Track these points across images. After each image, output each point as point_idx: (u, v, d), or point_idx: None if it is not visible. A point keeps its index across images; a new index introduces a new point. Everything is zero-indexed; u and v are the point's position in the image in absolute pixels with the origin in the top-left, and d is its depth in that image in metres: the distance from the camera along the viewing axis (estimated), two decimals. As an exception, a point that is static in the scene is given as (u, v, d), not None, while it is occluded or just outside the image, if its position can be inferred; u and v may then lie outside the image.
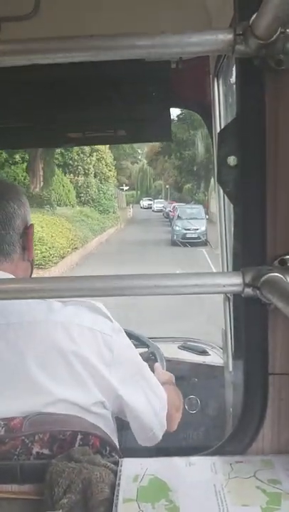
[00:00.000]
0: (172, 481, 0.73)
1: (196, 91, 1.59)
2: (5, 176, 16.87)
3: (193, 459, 0.80)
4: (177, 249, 16.04)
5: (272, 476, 0.74)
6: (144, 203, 51.70)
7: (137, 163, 60.22)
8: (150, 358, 1.55)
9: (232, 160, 0.75)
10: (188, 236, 17.86)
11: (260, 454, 0.80)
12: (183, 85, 1.52)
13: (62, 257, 13.71)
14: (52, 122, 1.52)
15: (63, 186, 21.65)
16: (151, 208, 47.60)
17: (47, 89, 1.39)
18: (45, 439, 0.89)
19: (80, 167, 24.82)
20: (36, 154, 17.37)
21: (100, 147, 25.03)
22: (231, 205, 0.84)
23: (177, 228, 19.32)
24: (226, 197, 1.47)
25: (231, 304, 1.39)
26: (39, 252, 12.09)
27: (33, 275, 1.20)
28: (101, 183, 27.34)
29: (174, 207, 28.44)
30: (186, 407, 1.74)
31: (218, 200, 1.59)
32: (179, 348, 2.04)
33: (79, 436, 0.90)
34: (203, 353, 1.99)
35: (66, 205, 20.93)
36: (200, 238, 16.61)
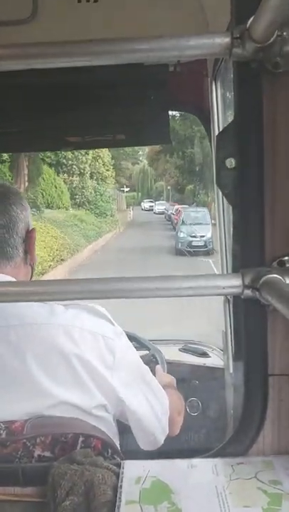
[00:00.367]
0: (174, 483, 0.73)
1: (194, 94, 1.60)
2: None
3: (195, 461, 0.80)
4: (182, 260, 14.13)
5: (273, 477, 0.74)
6: (146, 204, 50.41)
7: (138, 163, 59.02)
8: (151, 361, 1.55)
9: (230, 162, 0.75)
10: (194, 244, 15.97)
11: (261, 455, 0.80)
12: (181, 88, 1.52)
13: (42, 274, 10.90)
14: (50, 126, 1.52)
15: (56, 187, 19.53)
16: (152, 209, 46.19)
17: (45, 93, 1.40)
18: (47, 441, 0.89)
19: (74, 166, 22.26)
20: (21, 151, 15.99)
21: (97, 145, 23.84)
22: (230, 207, 0.84)
23: (182, 235, 17.04)
24: (224, 199, 1.48)
25: (231, 305, 1.39)
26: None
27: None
28: (98, 183, 24.92)
29: (177, 210, 26.02)
30: (188, 409, 1.74)
31: (216, 202, 1.59)
32: (179, 350, 2.04)
33: (80, 439, 0.90)
34: (204, 355, 1.99)
35: (59, 208, 19.03)
36: (206, 246, 15.35)
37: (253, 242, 0.76)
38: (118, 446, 1.04)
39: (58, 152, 19.22)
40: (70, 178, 22.44)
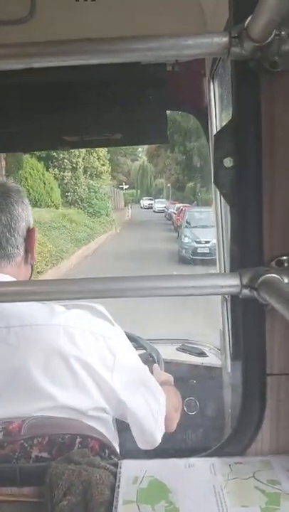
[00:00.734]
0: (172, 482, 0.73)
1: (192, 93, 1.60)
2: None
3: (193, 460, 0.80)
4: (188, 271, 11.76)
5: (271, 477, 0.74)
6: (145, 202, 48.58)
7: (137, 160, 57.38)
8: (148, 360, 1.56)
9: (228, 162, 0.75)
10: (199, 251, 13.34)
11: (259, 454, 0.80)
12: (179, 88, 1.52)
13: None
14: (48, 125, 1.52)
15: (44, 183, 17.27)
16: (152, 208, 44.32)
17: (42, 92, 1.39)
18: (44, 442, 0.89)
19: (66, 161, 20.05)
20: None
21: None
22: (228, 207, 0.84)
23: (186, 240, 14.34)
24: (222, 198, 1.48)
25: (229, 305, 1.39)
26: None
27: None
28: (92, 179, 22.29)
29: (179, 209, 23.46)
30: (185, 408, 1.74)
31: (215, 202, 1.60)
32: (177, 349, 2.04)
33: (78, 440, 0.90)
34: (201, 354, 1.99)
35: (48, 207, 16.85)
36: (212, 254, 11.29)
37: (251, 242, 0.76)
38: (117, 447, 1.04)
39: (49, 146, 18.16)
40: (62, 173, 20.29)
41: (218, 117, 1.48)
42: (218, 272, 1.65)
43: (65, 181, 20.44)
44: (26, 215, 1.12)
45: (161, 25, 1.18)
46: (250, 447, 0.81)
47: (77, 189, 20.93)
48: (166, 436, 1.15)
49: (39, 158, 17.68)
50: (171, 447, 1.34)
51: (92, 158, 22.32)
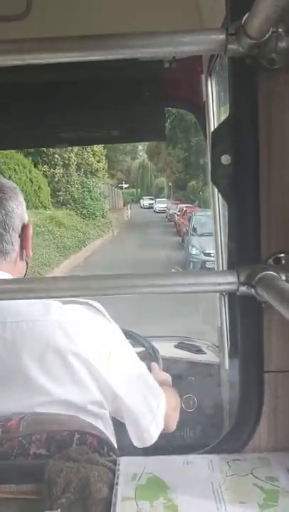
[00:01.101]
0: (170, 479, 0.74)
1: (190, 90, 1.59)
2: None
3: (191, 457, 0.80)
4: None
5: (269, 474, 0.74)
6: (145, 202, 47.11)
7: (137, 158, 55.94)
8: (146, 357, 1.56)
9: (226, 159, 0.75)
10: (208, 266, 11.10)
11: (257, 451, 0.81)
12: (176, 85, 1.52)
13: None
14: (44, 122, 1.52)
15: (31, 182, 15.29)
16: (152, 207, 42.85)
17: (39, 89, 1.39)
18: (42, 439, 0.89)
19: (57, 156, 18.08)
20: None
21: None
22: (226, 204, 0.84)
23: (194, 251, 12.17)
24: (220, 196, 1.48)
25: (226, 302, 1.39)
26: None
27: None
28: (86, 177, 19.95)
29: (182, 210, 21.25)
30: (183, 405, 1.74)
31: (212, 199, 1.60)
32: (175, 346, 2.04)
33: (76, 436, 0.90)
34: (199, 351, 1.99)
35: (36, 208, 15.11)
36: None
37: (249, 239, 0.76)
38: (115, 443, 1.04)
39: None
40: (52, 170, 18.23)
41: (216, 114, 1.47)
42: (216, 269, 1.65)
43: (56, 179, 18.31)
44: (21, 211, 1.12)
45: (158, 22, 1.18)
46: (248, 444, 0.81)
47: (70, 188, 18.81)
48: (165, 434, 1.15)
49: (26, 154, 15.72)
50: (170, 444, 1.34)
51: (86, 153, 20.04)
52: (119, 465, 0.77)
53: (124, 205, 36.86)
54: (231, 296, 0.85)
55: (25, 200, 1.17)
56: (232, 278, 0.72)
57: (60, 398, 0.96)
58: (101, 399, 1.01)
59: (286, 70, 0.69)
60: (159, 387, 1.14)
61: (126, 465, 0.77)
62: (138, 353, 1.15)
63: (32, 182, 15.53)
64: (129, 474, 0.75)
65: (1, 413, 0.93)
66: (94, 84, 1.40)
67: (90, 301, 1.07)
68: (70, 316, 1.02)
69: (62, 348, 0.97)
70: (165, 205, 37.83)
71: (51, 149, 17.14)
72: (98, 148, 21.09)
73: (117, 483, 0.72)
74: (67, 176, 18.90)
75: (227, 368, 1.49)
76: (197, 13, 1.25)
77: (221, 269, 1.56)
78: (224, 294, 1.37)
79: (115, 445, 1.02)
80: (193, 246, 12.27)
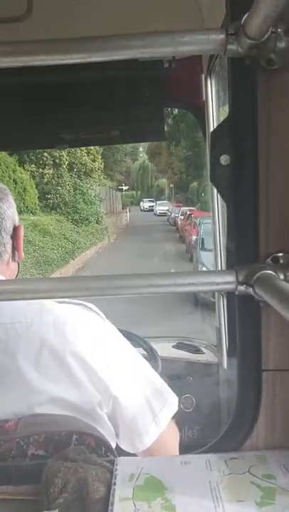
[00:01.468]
0: (168, 479, 0.73)
1: (190, 90, 1.59)
2: None
3: (189, 457, 0.80)
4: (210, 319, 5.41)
5: (266, 471, 0.74)
6: (145, 204, 45.65)
7: (138, 159, 54.11)
8: (145, 358, 1.56)
9: (225, 159, 0.75)
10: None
11: (255, 449, 0.81)
12: (176, 85, 1.52)
13: None
14: (44, 123, 1.52)
15: (16, 183, 13.30)
16: (152, 210, 41.43)
17: (39, 90, 1.39)
18: (40, 440, 0.88)
19: (46, 154, 16.04)
20: None
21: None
22: (225, 204, 0.84)
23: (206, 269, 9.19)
24: (219, 196, 1.48)
25: (225, 301, 1.40)
26: None
27: None
28: (79, 178, 18.03)
29: (185, 214, 19.43)
30: (182, 405, 1.74)
31: (211, 199, 1.60)
32: (173, 347, 2.04)
33: (74, 437, 0.89)
34: (198, 351, 1.99)
35: (21, 213, 12.44)
36: None
37: (247, 239, 0.76)
38: (114, 444, 1.03)
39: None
40: (40, 170, 16.27)
41: (215, 114, 1.48)
42: (214, 268, 1.65)
43: (45, 180, 16.45)
44: (12, 212, 1.12)
45: (158, 22, 1.18)
46: (245, 443, 0.81)
47: (60, 190, 16.80)
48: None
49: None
50: None
51: (79, 152, 17.82)
52: (116, 465, 0.77)
53: (122, 208, 34.72)
54: (230, 295, 0.85)
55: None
56: (230, 277, 0.73)
57: (56, 397, 0.95)
58: (99, 399, 1.00)
59: (285, 70, 0.69)
60: (168, 389, 1.09)
61: (124, 465, 0.77)
62: None
63: (16, 183, 13.43)
64: (126, 474, 0.75)
65: None
66: (93, 84, 1.40)
67: (85, 302, 1.07)
68: (64, 316, 1.01)
69: (57, 347, 0.97)
70: (166, 208, 36.82)
71: (40, 147, 15.50)
72: (93, 146, 16.72)
73: (114, 484, 0.72)
74: (58, 177, 16.90)
75: (225, 367, 1.49)
76: (197, 13, 1.25)
77: (219, 268, 1.56)
78: (223, 293, 1.37)
79: (113, 445, 1.02)
80: (203, 264, 9.99)
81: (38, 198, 15.86)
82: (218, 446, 0.83)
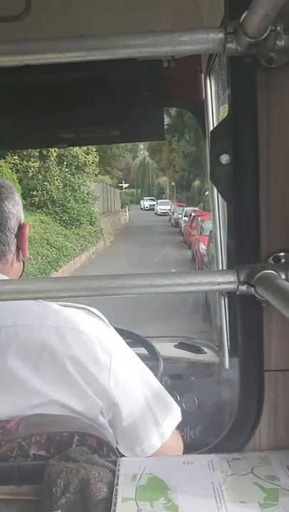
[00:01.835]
0: (170, 479, 0.73)
1: (189, 89, 1.59)
2: None
3: (191, 457, 0.80)
4: None
5: (269, 472, 0.74)
6: (146, 203, 43.96)
7: (138, 156, 52.24)
8: (147, 358, 1.56)
9: (225, 158, 0.75)
10: None
11: (257, 450, 0.81)
12: (175, 84, 1.52)
13: None
14: (44, 122, 1.52)
15: None
16: (153, 209, 39.94)
17: (38, 89, 1.39)
18: (42, 440, 0.88)
19: None
20: None
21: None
22: (225, 204, 0.84)
23: None
24: (219, 195, 1.48)
25: (226, 301, 1.39)
26: None
27: None
28: (70, 172, 15.82)
29: (189, 216, 17.91)
30: (184, 405, 1.74)
31: (211, 199, 1.60)
32: (174, 346, 2.04)
33: (76, 437, 0.89)
34: (199, 351, 1.99)
35: None
36: None
37: (248, 238, 0.76)
38: (114, 444, 1.03)
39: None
40: (25, 162, 14.12)
41: (215, 113, 1.47)
42: (215, 268, 1.65)
43: (30, 174, 14.23)
44: (17, 211, 1.10)
45: (157, 22, 1.18)
46: (248, 443, 0.81)
47: (48, 186, 14.69)
48: None
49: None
50: None
51: None
52: (119, 465, 0.77)
53: (122, 207, 32.52)
54: (231, 295, 0.85)
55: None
56: (232, 277, 0.72)
57: (56, 400, 0.94)
58: (100, 405, 0.98)
59: (285, 68, 0.69)
60: (171, 399, 1.07)
61: (126, 465, 0.77)
62: (137, 354, 1.14)
63: (-6, 178, 11.43)
64: (129, 475, 0.75)
65: None
66: (92, 83, 1.40)
67: (88, 307, 1.06)
68: (67, 321, 1.00)
69: (58, 352, 0.95)
70: (168, 207, 35.33)
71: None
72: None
73: (117, 484, 0.72)
74: (45, 171, 14.55)
75: (227, 367, 1.49)
76: (196, 12, 1.25)
77: (220, 268, 1.56)
78: (224, 293, 1.37)
79: (115, 446, 1.02)
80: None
81: (22, 194, 12.81)
82: (221, 446, 0.83)
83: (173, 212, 28.66)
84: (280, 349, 0.78)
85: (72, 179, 15.83)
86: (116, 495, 0.70)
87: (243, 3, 0.62)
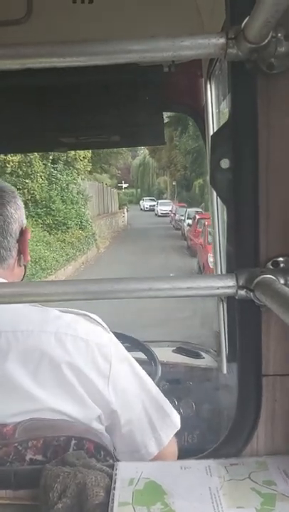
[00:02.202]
0: (168, 484, 0.73)
1: (189, 94, 1.60)
2: None
3: (188, 462, 0.80)
4: None
5: (266, 478, 0.74)
6: (146, 203, 42.40)
7: (137, 155, 50.26)
8: (145, 362, 1.55)
9: (225, 163, 0.75)
10: None
11: (255, 455, 0.80)
12: (176, 89, 1.53)
13: None
14: (45, 127, 1.52)
15: None
16: (153, 210, 38.33)
17: (39, 94, 1.39)
18: (39, 445, 0.88)
19: None
20: None
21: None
22: (225, 208, 0.84)
23: None
24: (219, 199, 1.48)
25: (225, 306, 1.39)
26: None
27: None
28: (57, 169, 13.86)
29: (193, 218, 16.10)
30: (181, 410, 1.73)
31: (211, 203, 1.60)
32: (172, 351, 2.04)
33: (73, 442, 0.89)
34: (197, 356, 1.99)
35: None
36: None
37: (248, 243, 0.76)
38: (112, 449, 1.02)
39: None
40: (3, 156, 11.81)
41: (215, 118, 1.48)
42: (214, 272, 1.65)
43: (9, 170, 12.25)
44: (19, 215, 1.10)
45: (158, 27, 1.19)
46: (245, 448, 0.81)
47: (29, 184, 12.61)
48: None
49: None
50: None
51: None
52: (116, 470, 0.77)
53: (120, 208, 30.51)
54: (230, 300, 0.85)
55: None
56: (231, 282, 0.72)
57: (53, 408, 0.93)
58: (99, 413, 0.98)
59: (285, 74, 0.69)
60: (171, 406, 1.07)
61: (123, 470, 0.77)
62: (135, 358, 1.13)
63: None
64: (126, 479, 0.74)
65: None
66: (93, 88, 1.41)
67: (88, 313, 1.05)
68: (67, 328, 0.99)
69: (57, 359, 0.95)
70: (169, 208, 33.39)
71: None
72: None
73: (114, 488, 0.72)
74: (27, 166, 12.32)
75: (225, 371, 1.48)
76: (197, 17, 1.26)
77: (219, 272, 1.56)
78: (223, 298, 1.37)
79: (112, 450, 1.01)
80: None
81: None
82: (218, 451, 0.82)
83: (174, 214, 26.84)
84: (279, 354, 0.78)
85: (59, 176, 13.61)
86: (113, 499, 0.69)
87: (245, 9, 0.62)
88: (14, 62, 0.69)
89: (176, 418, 1.07)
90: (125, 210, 31.58)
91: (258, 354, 0.78)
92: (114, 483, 0.73)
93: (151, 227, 25.04)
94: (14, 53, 0.69)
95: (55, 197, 13.42)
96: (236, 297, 0.73)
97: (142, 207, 42.90)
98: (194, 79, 1.52)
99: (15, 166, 12.36)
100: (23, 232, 1.11)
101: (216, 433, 1.56)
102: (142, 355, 1.62)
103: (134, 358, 1.11)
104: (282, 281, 0.71)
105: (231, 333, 0.85)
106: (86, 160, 15.76)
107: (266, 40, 0.65)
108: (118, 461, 0.84)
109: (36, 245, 11.08)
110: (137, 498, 0.70)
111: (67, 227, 13.40)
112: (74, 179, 14.65)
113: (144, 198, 45.39)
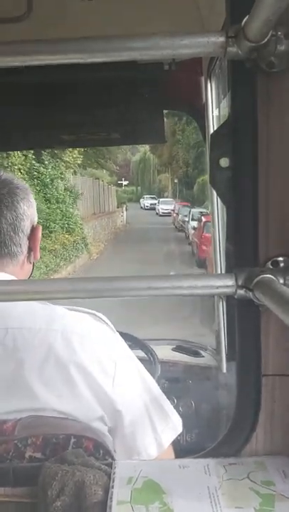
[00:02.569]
0: (166, 483, 0.73)
1: (189, 93, 1.60)
2: None
3: (187, 461, 0.80)
4: None
5: (265, 478, 0.74)
6: (146, 202, 40.93)
7: (138, 151, 49.08)
8: (144, 360, 1.55)
9: (224, 162, 0.75)
10: None
11: (254, 455, 0.80)
12: (176, 87, 1.52)
13: None
14: (44, 124, 1.52)
15: None
16: (154, 208, 36.16)
17: (39, 91, 1.39)
18: (38, 442, 0.88)
19: None
20: None
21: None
22: (224, 207, 0.84)
23: None
24: (218, 199, 1.48)
25: (224, 305, 1.39)
26: None
27: None
28: (39, 161, 11.79)
29: (199, 220, 14.62)
30: (180, 409, 1.74)
31: (211, 202, 1.60)
32: (172, 349, 2.04)
33: (72, 440, 0.89)
34: (197, 354, 1.99)
35: None
36: None
37: (247, 242, 0.75)
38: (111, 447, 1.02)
39: None
40: None
41: (215, 117, 1.48)
42: (214, 272, 1.65)
43: None
44: (32, 212, 1.10)
45: (158, 24, 1.18)
46: (244, 448, 0.81)
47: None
48: None
49: None
50: None
51: None
52: (115, 468, 0.77)
53: (118, 207, 28.49)
54: (229, 299, 0.85)
55: None
56: (230, 281, 0.72)
57: (56, 408, 0.93)
58: (101, 414, 0.98)
59: (285, 73, 0.69)
60: (173, 409, 1.07)
61: (122, 468, 0.77)
62: (136, 357, 1.13)
63: None
64: (124, 478, 0.74)
65: None
66: (93, 86, 1.40)
67: (95, 312, 1.05)
68: (73, 326, 0.99)
69: (63, 358, 0.95)
70: (170, 207, 31.49)
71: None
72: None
73: (112, 487, 0.72)
74: (2, 158, 10.56)
75: (224, 371, 1.48)
76: (197, 15, 1.25)
77: (219, 272, 1.56)
78: (222, 297, 1.37)
79: (111, 449, 1.01)
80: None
81: None
82: (217, 450, 0.82)
83: (177, 214, 24.93)
84: (278, 354, 0.78)
85: (42, 170, 11.56)
86: (111, 498, 0.69)
87: (245, 7, 0.62)
88: (14, 59, 0.69)
89: (177, 420, 1.07)
90: (124, 208, 29.77)
91: (257, 354, 0.78)
92: (113, 481, 0.73)
93: (151, 228, 23.32)
94: (14, 50, 0.69)
95: (36, 194, 11.19)
96: (235, 297, 0.73)
97: (143, 205, 41.72)
98: (194, 77, 1.52)
99: (-8, 159, 10.30)
100: (34, 230, 1.11)
101: (215, 432, 1.56)
102: (141, 353, 1.62)
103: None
104: (281, 280, 0.71)
105: (231, 333, 0.85)
106: (76, 151, 14.02)
107: (266, 39, 0.65)
108: (117, 459, 0.84)
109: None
110: (136, 497, 0.70)
111: (50, 231, 11.27)
112: (61, 173, 12.68)
113: (145, 196, 44.27)
